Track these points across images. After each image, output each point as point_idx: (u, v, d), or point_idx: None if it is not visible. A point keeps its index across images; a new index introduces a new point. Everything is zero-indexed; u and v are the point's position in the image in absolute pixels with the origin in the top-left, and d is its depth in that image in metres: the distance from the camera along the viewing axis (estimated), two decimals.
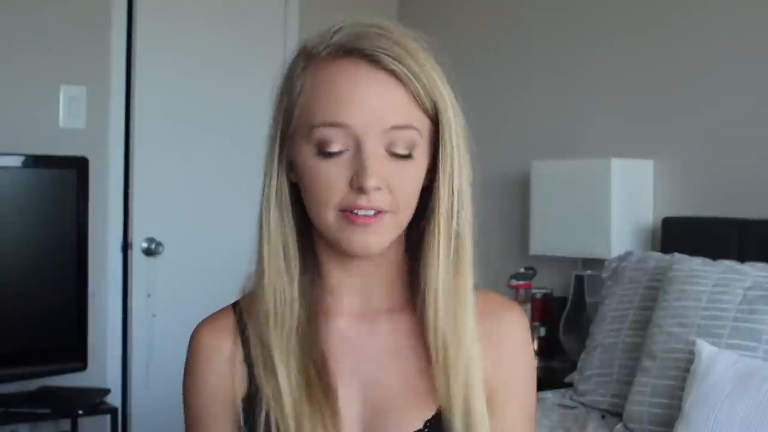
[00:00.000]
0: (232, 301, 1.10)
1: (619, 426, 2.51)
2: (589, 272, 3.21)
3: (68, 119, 3.48)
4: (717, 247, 2.75)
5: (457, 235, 1.01)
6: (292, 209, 1.03)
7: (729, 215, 2.90)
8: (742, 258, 2.62)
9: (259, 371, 1.02)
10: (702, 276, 2.50)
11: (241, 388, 1.04)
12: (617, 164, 3.11)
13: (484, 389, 1.03)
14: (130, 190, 3.62)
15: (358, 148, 0.96)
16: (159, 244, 3.66)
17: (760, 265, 2.51)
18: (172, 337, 3.61)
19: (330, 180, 0.97)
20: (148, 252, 3.66)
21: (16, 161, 3.08)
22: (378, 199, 0.96)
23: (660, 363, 2.43)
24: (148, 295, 3.65)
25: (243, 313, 1.07)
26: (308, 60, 1.01)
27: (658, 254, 2.81)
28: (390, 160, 0.97)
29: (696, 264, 2.56)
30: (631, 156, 3.21)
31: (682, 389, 2.30)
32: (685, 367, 2.35)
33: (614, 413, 2.62)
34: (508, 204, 3.59)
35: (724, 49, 3.02)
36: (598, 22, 3.45)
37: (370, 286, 1.06)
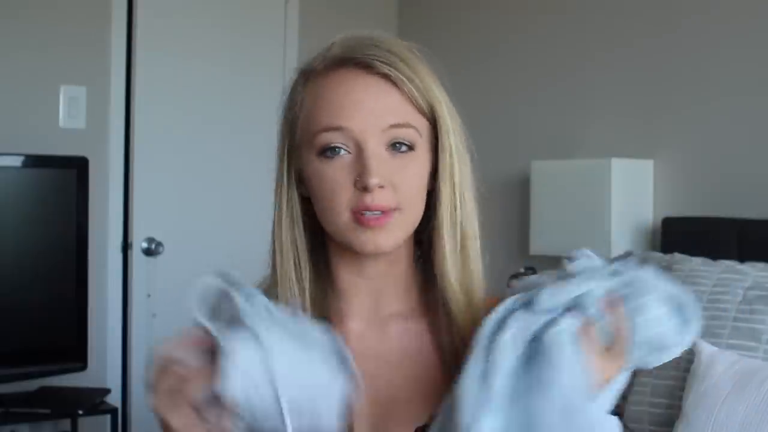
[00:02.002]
0: None
1: None
2: None
3: (68, 119, 3.48)
4: (717, 247, 2.75)
5: (462, 230, 1.04)
6: (303, 221, 1.05)
7: (729, 215, 2.90)
8: (742, 258, 2.62)
9: None
10: (702, 276, 2.50)
11: None
12: (617, 164, 3.11)
13: None
14: (130, 190, 3.62)
15: (359, 150, 0.99)
16: (159, 244, 3.66)
17: (760, 265, 2.51)
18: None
19: (336, 182, 0.99)
20: (148, 252, 3.66)
21: (16, 161, 3.08)
22: (383, 197, 0.99)
23: None
24: (148, 295, 3.65)
25: None
26: (306, 77, 1.04)
27: (658, 254, 2.81)
28: (392, 158, 1.00)
29: (696, 264, 2.56)
30: (631, 156, 3.21)
31: (682, 389, 2.30)
32: (685, 367, 2.35)
33: (614, 413, 2.61)
34: (508, 204, 3.59)
35: (725, 49, 3.01)
36: (598, 23, 3.45)
37: (380, 290, 1.07)
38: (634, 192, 3.17)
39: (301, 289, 1.05)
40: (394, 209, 1.00)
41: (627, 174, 3.14)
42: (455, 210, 1.04)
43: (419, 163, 1.02)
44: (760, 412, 2.10)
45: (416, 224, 1.04)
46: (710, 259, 2.58)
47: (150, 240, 3.66)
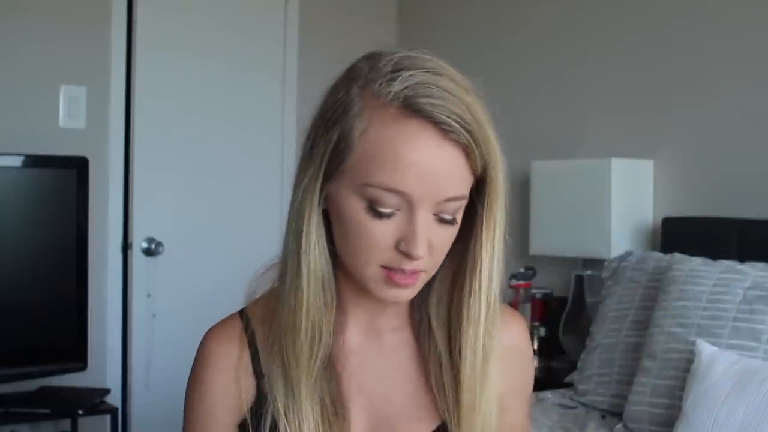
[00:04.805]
0: (239, 309, 1.10)
1: (619, 426, 2.51)
2: (589, 272, 3.21)
3: (68, 119, 3.48)
4: (717, 247, 2.75)
5: (494, 296, 1.02)
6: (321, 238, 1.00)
7: (729, 215, 2.90)
8: (742, 258, 2.62)
9: (272, 384, 1.02)
10: (702, 276, 2.50)
11: (248, 398, 1.05)
12: (617, 164, 3.11)
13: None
14: (130, 190, 3.62)
15: (410, 212, 0.94)
16: (159, 244, 3.66)
17: (760, 265, 2.51)
18: (172, 337, 3.61)
19: (377, 239, 0.95)
20: (148, 252, 3.66)
21: (16, 161, 3.08)
22: (420, 263, 0.97)
23: (660, 363, 2.43)
24: (148, 295, 3.65)
25: (251, 322, 1.07)
26: (370, 98, 0.94)
27: (658, 254, 2.81)
28: (435, 224, 0.96)
29: (696, 264, 2.56)
30: (631, 156, 3.21)
31: (682, 389, 2.30)
32: (685, 367, 2.35)
33: (614, 413, 2.62)
34: (508, 204, 3.58)
35: (725, 49, 3.01)
36: (598, 23, 3.45)
37: (379, 307, 1.07)
38: (634, 192, 3.17)
39: (329, 316, 1.02)
40: (424, 271, 0.98)
41: (627, 174, 3.14)
42: (492, 278, 1.02)
43: (456, 227, 0.98)
44: (760, 412, 2.10)
45: None
46: (710, 259, 2.58)
47: (150, 240, 3.66)
